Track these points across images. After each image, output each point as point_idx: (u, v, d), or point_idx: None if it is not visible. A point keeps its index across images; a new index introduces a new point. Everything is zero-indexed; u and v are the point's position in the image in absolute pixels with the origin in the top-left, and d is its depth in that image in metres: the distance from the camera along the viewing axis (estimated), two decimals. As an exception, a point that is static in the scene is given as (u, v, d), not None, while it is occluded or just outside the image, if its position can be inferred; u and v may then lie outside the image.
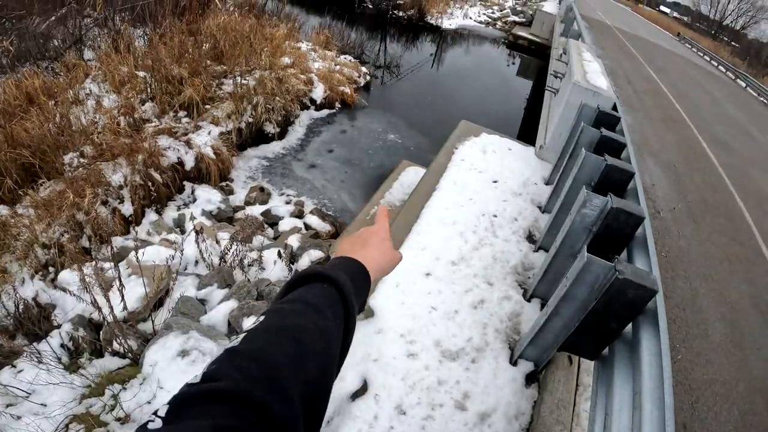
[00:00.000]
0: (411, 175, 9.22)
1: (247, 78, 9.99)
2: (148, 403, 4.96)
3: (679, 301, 6.07)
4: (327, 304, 0.92)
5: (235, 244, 7.00)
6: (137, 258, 6.06)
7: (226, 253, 6.97)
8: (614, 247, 4.88)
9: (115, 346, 5.82)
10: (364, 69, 12.25)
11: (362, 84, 12.01)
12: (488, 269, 6.14)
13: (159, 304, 6.42)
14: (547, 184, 8.32)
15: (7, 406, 5.42)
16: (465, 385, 4.75)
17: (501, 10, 29.38)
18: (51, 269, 6.89)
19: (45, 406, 5.38)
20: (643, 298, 3.46)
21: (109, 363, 5.75)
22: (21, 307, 6.09)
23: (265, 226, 8.51)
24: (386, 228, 1.30)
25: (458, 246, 6.47)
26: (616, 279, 3.43)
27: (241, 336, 0.80)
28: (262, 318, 0.86)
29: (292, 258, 7.56)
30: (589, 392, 4.88)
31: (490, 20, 28.08)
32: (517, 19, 28.71)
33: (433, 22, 24.22)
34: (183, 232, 7.94)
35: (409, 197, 7.71)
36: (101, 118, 8.85)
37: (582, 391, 5.00)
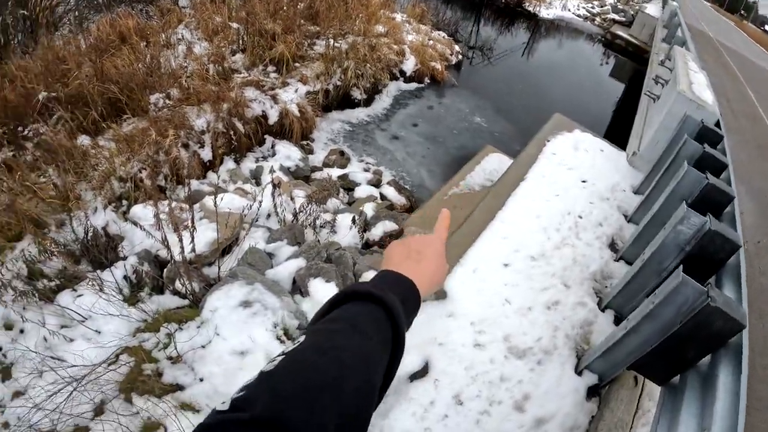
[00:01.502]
0: (494, 162, 8.91)
1: (340, 41, 9.83)
2: (203, 347, 4.87)
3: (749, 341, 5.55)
4: (373, 326, 0.86)
5: (310, 203, 6.82)
6: (215, 202, 5.99)
7: (300, 212, 6.82)
8: (704, 271, 4.59)
9: (178, 285, 5.72)
10: (456, 47, 11.92)
11: (453, 62, 11.68)
12: (567, 271, 5.83)
13: (227, 251, 6.27)
14: (635, 193, 7.86)
15: (62, 327, 5.38)
16: (527, 386, 4.53)
17: (601, 6, 28.18)
18: (124, 202, 6.88)
19: (99, 333, 5.28)
20: (729, 331, 3.30)
21: (169, 301, 5.72)
22: (90, 234, 6.06)
23: (341, 190, 8.34)
24: (444, 239, 1.20)
25: (540, 241, 6.20)
26: (706, 306, 3.27)
27: (277, 358, 0.76)
28: (301, 338, 0.81)
29: (366, 226, 7.38)
30: (649, 417, 4.46)
31: (589, 15, 26.99)
32: (617, 17, 27.50)
33: (531, 9, 23.41)
34: (258, 184, 7.84)
35: (495, 183, 7.44)
36: (191, 64, 8.87)
37: (641, 415, 4.63)
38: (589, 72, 19.52)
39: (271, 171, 7.39)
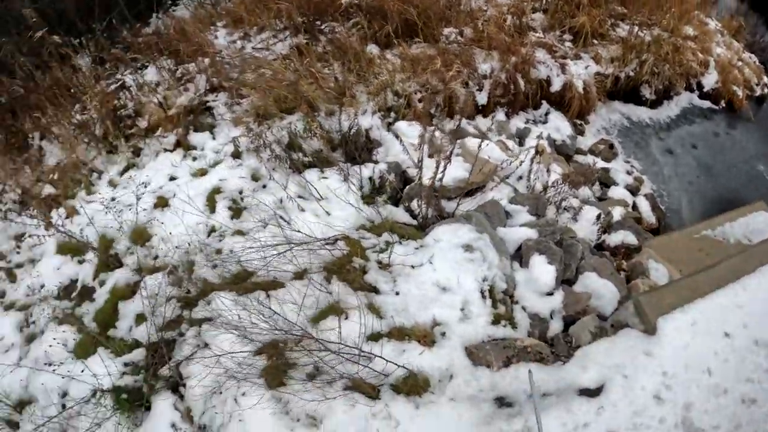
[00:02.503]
0: (760, 221, 7.54)
1: (645, 31, 9.17)
2: (412, 266, 4.95)
3: None
4: None
5: (564, 182, 6.45)
6: (479, 146, 5.87)
7: (551, 186, 6.49)
8: None
9: (413, 205, 5.77)
10: (766, 79, 10.52)
11: (757, 94, 10.27)
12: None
13: (470, 193, 6.12)
14: None
15: (299, 197, 5.61)
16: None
17: None
18: (392, 115, 6.93)
19: (329, 215, 5.50)
20: None
21: (400, 215, 5.78)
22: (353, 130, 6.24)
23: (598, 182, 7.81)
24: None
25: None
26: None
27: None
28: None
29: (607, 228, 6.87)
30: None
31: None
32: None
33: None
34: (521, 144, 7.56)
35: (754, 245, 6.41)
36: (490, 10, 8.78)
37: None
38: None
39: (539, 137, 7.12)
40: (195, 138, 6.73)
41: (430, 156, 6.32)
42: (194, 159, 6.50)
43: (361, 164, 6.09)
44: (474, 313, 4.68)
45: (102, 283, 5.46)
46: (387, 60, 7.55)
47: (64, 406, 4.60)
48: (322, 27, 7.97)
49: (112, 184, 6.50)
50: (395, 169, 6.21)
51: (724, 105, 9.80)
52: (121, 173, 6.65)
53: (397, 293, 4.84)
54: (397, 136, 6.13)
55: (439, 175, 5.62)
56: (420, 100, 7.23)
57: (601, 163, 8.04)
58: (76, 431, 4.43)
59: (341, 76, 7.12)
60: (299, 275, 4.97)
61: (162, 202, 5.93)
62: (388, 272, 5.04)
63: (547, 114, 8.28)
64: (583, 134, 8.41)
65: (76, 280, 5.69)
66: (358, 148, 6.25)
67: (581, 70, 8.42)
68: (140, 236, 5.65)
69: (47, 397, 4.66)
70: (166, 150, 6.71)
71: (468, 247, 5.12)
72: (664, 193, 8.26)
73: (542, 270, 5.12)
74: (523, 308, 4.94)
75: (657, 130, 9.11)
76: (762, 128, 10.03)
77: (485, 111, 7.84)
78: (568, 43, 8.66)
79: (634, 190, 7.88)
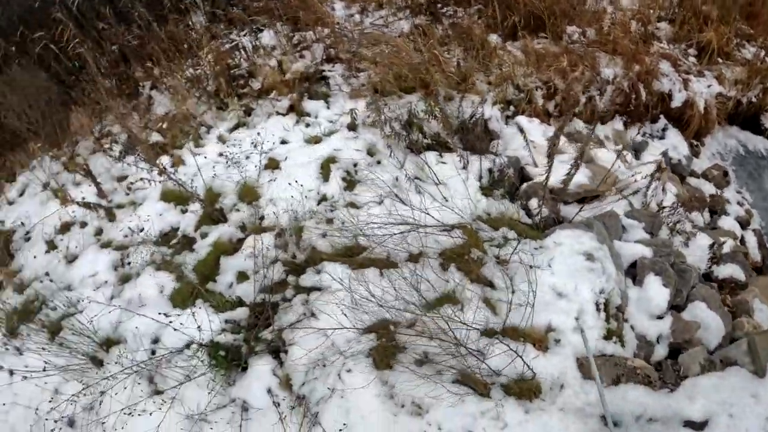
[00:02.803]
0: None
1: None
2: (530, 266, 4.64)
3: None
4: None
5: (679, 205, 6.17)
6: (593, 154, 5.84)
7: (667, 207, 6.20)
8: None
9: (531, 203, 5.57)
10: None
11: None
12: None
13: (586, 200, 5.85)
14: None
15: (416, 178, 5.47)
16: None
17: None
18: (511, 108, 6.67)
19: (446, 200, 5.33)
20: None
21: (515, 212, 5.52)
22: (474, 119, 5.93)
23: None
24: None
25: None
26: None
27: None
28: None
29: (717, 258, 6.34)
30: None
31: None
32: None
33: None
34: (637, 157, 7.17)
35: None
36: (615, 13, 8.30)
37: None
38: None
39: (664, 154, 6.95)
40: (309, 105, 6.56)
41: (550, 156, 6.01)
42: (307, 125, 6.31)
43: (481, 154, 5.68)
44: (588, 324, 4.42)
45: (204, 235, 5.31)
46: (508, 51, 7.16)
47: (153, 353, 4.35)
48: (444, 10, 7.57)
49: (222, 139, 6.34)
50: (514, 165, 5.97)
51: None
52: (231, 130, 6.50)
53: (513, 291, 4.56)
54: (521, 131, 5.77)
55: (559, 178, 5.41)
56: (543, 97, 6.78)
57: (711, 189, 7.59)
58: (164, 380, 4.24)
59: (463, 62, 6.74)
60: (414, 258, 4.70)
61: (273, 164, 5.74)
62: (504, 268, 4.77)
63: (664, 130, 7.77)
64: (698, 156, 7.94)
65: (177, 229, 5.60)
66: (476, 138, 5.93)
67: (704, 89, 7.89)
68: (248, 194, 5.47)
69: (137, 341, 4.55)
70: (278, 113, 6.54)
71: (589, 256, 4.82)
72: (776, 229, 7.50)
73: (656, 291, 4.84)
74: (632, 327, 4.73)
75: (774, 164, 8.31)
76: None
77: (604, 117, 7.38)
78: (692, 58, 8.12)
79: (743, 223, 7.34)
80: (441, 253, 4.74)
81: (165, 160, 6.16)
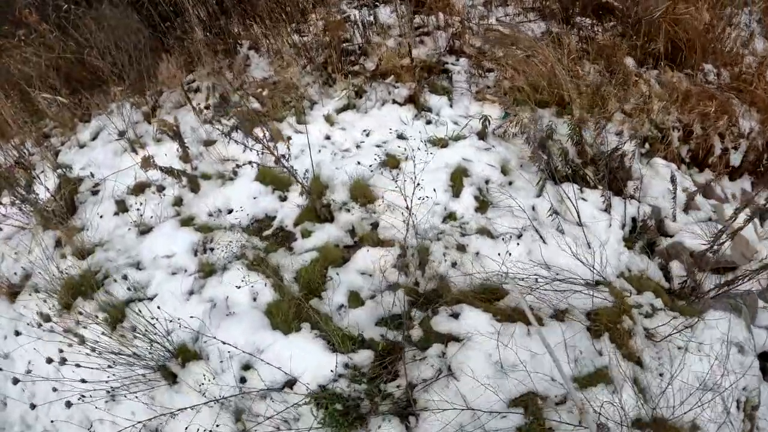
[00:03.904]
0: None
1: None
2: (678, 348, 3.84)
3: None
4: None
5: None
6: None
7: None
8: None
9: (673, 266, 4.73)
10: None
11: None
12: None
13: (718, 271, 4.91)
14: None
15: (554, 212, 4.46)
16: None
17: None
18: (647, 145, 5.78)
19: (589, 246, 4.35)
20: None
21: (652, 272, 4.64)
22: (616, 152, 4.95)
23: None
24: None
25: None
26: None
27: None
28: None
29: None
30: None
31: None
32: None
33: None
34: (762, 224, 6.16)
35: None
36: (752, 58, 7.25)
37: None
38: None
39: None
40: (431, 99, 5.50)
41: (685, 211, 5.19)
42: (428, 122, 5.37)
43: (626, 198, 4.68)
44: (732, 425, 3.70)
45: (306, 234, 4.38)
46: (646, 81, 6.07)
47: (243, 380, 3.34)
48: (579, 20, 6.51)
49: (329, 120, 5.37)
50: (656, 215, 5.01)
51: None
52: (339, 111, 5.56)
53: (661, 375, 3.80)
54: (673, 180, 4.81)
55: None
56: (679, 140, 5.87)
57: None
58: (254, 417, 3.17)
59: (600, 82, 5.68)
60: (560, 315, 3.72)
61: (393, 162, 4.75)
62: (653, 344, 3.94)
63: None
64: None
65: (274, 218, 4.66)
66: (617, 176, 4.85)
67: None
68: (362, 193, 4.54)
69: (221, 359, 3.42)
70: (395, 102, 5.59)
71: (741, 348, 4.09)
72: None
73: None
74: (757, 429, 4.08)
75: None
76: None
77: (733, 174, 6.40)
78: None
79: None
80: (588, 315, 3.90)
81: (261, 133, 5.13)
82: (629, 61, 6.50)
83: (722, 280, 4.66)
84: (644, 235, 4.80)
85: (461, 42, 6.30)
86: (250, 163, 4.43)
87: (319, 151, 5.02)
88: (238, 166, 5.01)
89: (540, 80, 5.65)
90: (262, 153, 4.23)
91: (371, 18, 6.50)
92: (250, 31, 6.57)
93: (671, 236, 4.96)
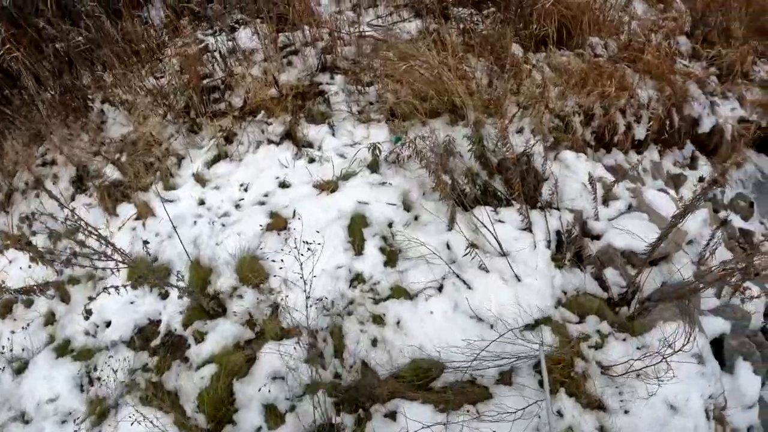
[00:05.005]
0: None
1: None
2: (637, 375, 3.40)
3: None
4: None
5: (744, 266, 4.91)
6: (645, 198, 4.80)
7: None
8: None
9: (608, 274, 4.32)
10: None
11: None
12: None
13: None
14: None
15: (471, 245, 3.98)
16: None
17: None
18: (551, 139, 5.31)
19: (519, 280, 3.88)
20: None
21: (589, 286, 4.19)
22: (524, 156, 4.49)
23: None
24: None
25: None
26: None
27: None
28: None
29: None
30: None
31: None
32: None
33: None
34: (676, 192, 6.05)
35: None
36: (633, 23, 7.09)
37: None
38: None
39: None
40: (310, 131, 4.83)
41: (605, 204, 4.75)
42: (312, 161, 4.63)
43: (544, 209, 4.26)
44: None
45: (199, 337, 3.66)
46: (539, 67, 5.86)
47: None
48: (457, 11, 6.00)
49: (200, 179, 4.55)
50: (578, 219, 4.54)
51: None
52: (210, 164, 4.71)
53: (626, 412, 3.37)
54: (591, 181, 4.39)
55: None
56: (581, 124, 5.58)
57: (740, 222, 6.54)
58: None
59: (491, 78, 5.26)
60: (506, 377, 3.18)
61: (279, 223, 4.02)
62: (609, 378, 3.48)
63: (693, 158, 6.75)
64: (724, 186, 6.75)
65: (158, 322, 3.77)
66: (527, 182, 4.41)
67: (728, 112, 6.90)
68: (251, 270, 3.81)
69: None
70: (270, 141, 4.82)
71: (700, 359, 3.70)
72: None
73: (748, 380, 4.01)
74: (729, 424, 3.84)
75: (787, 185, 7.53)
76: None
77: (640, 147, 6.25)
78: (713, 77, 6.92)
79: None
80: (536, 366, 3.34)
81: (126, 208, 4.28)
82: (517, 49, 6.03)
83: (661, 282, 4.31)
84: (571, 246, 4.30)
85: (333, 56, 5.58)
86: (111, 270, 3.56)
87: (195, 222, 4.21)
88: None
89: (426, 87, 5.03)
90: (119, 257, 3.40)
91: (231, 44, 5.70)
92: (101, 82, 5.58)
93: (598, 237, 4.51)
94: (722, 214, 6.54)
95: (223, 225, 4.16)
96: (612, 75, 5.97)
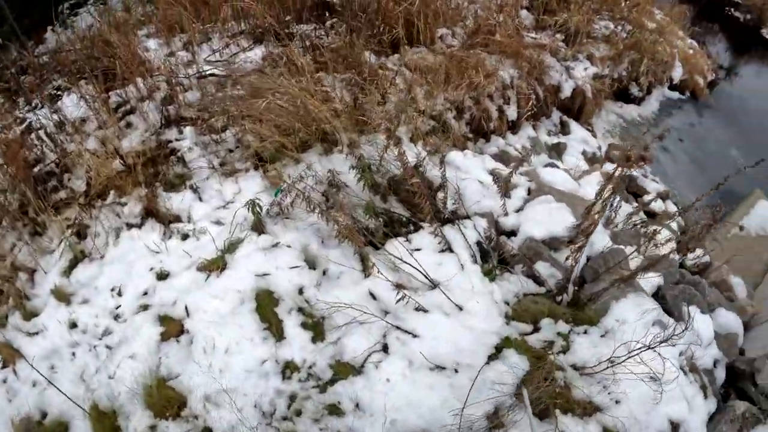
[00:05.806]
0: (765, 211, 7.13)
1: (619, 27, 8.00)
2: (610, 362, 3.18)
3: None
4: None
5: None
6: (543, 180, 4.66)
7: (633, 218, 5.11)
8: None
9: (540, 269, 3.97)
10: (709, 62, 9.83)
11: (708, 80, 9.58)
12: None
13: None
14: None
15: (398, 285, 3.62)
16: None
17: None
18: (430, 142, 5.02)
19: (461, 309, 3.53)
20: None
21: (524, 285, 3.92)
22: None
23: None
24: None
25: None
26: None
27: None
28: None
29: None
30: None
31: None
32: None
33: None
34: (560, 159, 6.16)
35: None
36: (474, 8, 6.99)
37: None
38: None
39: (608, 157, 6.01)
40: (172, 202, 4.03)
41: (505, 194, 4.44)
42: (185, 237, 3.85)
43: (454, 222, 3.93)
44: (697, 404, 3.35)
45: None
46: (392, 70, 5.44)
47: None
48: (298, 29, 5.49)
49: (61, 295, 3.66)
50: (491, 222, 4.21)
51: (689, 94, 9.26)
52: (67, 272, 3.77)
53: (617, 402, 3.17)
54: (496, 181, 4.08)
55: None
56: (455, 119, 5.38)
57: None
58: None
59: (354, 93, 4.81)
60: (495, 420, 2.97)
61: (174, 329, 3.26)
62: (588, 376, 3.26)
63: (563, 124, 6.82)
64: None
65: None
66: (429, 198, 4.02)
67: (582, 73, 7.06)
68: (165, 399, 3.00)
69: None
70: (130, 226, 3.97)
71: (660, 324, 3.57)
72: (676, 193, 7.18)
73: (702, 323, 3.90)
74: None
75: (648, 127, 7.98)
76: (723, 114, 9.50)
77: (515, 127, 6.16)
78: (560, 44, 7.13)
79: (664, 197, 6.68)
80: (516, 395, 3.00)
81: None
82: (371, 57, 5.60)
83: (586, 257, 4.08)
84: (495, 252, 3.97)
85: (176, 106, 4.84)
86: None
87: (74, 354, 3.36)
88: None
89: (290, 120, 4.46)
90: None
91: (56, 117, 4.79)
92: None
93: (515, 234, 4.23)
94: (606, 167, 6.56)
95: (108, 348, 3.35)
96: (475, 64, 5.77)
